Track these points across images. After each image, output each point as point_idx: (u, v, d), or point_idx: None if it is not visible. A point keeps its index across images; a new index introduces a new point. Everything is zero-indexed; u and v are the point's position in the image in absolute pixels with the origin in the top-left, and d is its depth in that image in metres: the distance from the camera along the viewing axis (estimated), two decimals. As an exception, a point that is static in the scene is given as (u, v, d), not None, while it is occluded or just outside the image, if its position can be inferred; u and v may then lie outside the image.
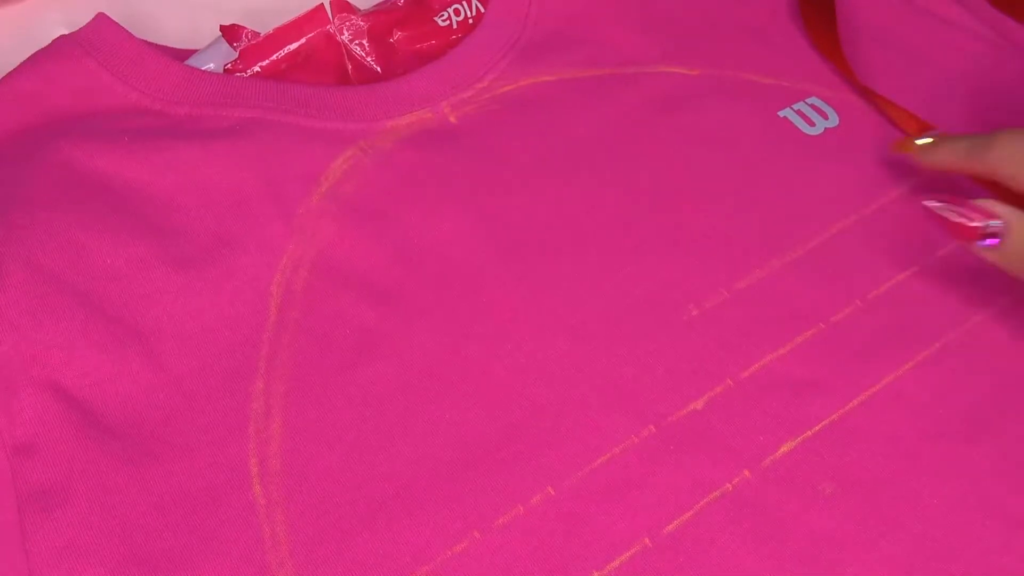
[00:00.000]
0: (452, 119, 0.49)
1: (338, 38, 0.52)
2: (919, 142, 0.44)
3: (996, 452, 0.40)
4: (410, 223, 0.46)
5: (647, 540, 0.38)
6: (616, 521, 0.38)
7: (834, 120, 0.50)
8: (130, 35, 0.50)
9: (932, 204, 0.36)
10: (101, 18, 0.50)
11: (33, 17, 0.54)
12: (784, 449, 0.40)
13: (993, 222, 0.35)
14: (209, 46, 0.51)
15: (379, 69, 0.52)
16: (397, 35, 0.53)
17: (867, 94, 0.51)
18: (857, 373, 0.42)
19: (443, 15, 0.53)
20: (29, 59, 0.49)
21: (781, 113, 0.50)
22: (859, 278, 0.44)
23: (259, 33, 0.51)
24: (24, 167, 0.45)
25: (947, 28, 0.54)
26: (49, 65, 0.49)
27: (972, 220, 0.36)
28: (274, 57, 0.51)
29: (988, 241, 0.35)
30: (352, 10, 0.52)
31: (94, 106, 0.48)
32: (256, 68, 0.51)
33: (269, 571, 0.37)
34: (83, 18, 0.50)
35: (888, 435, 0.40)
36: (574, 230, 0.46)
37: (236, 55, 0.51)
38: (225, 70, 0.50)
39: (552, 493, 0.39)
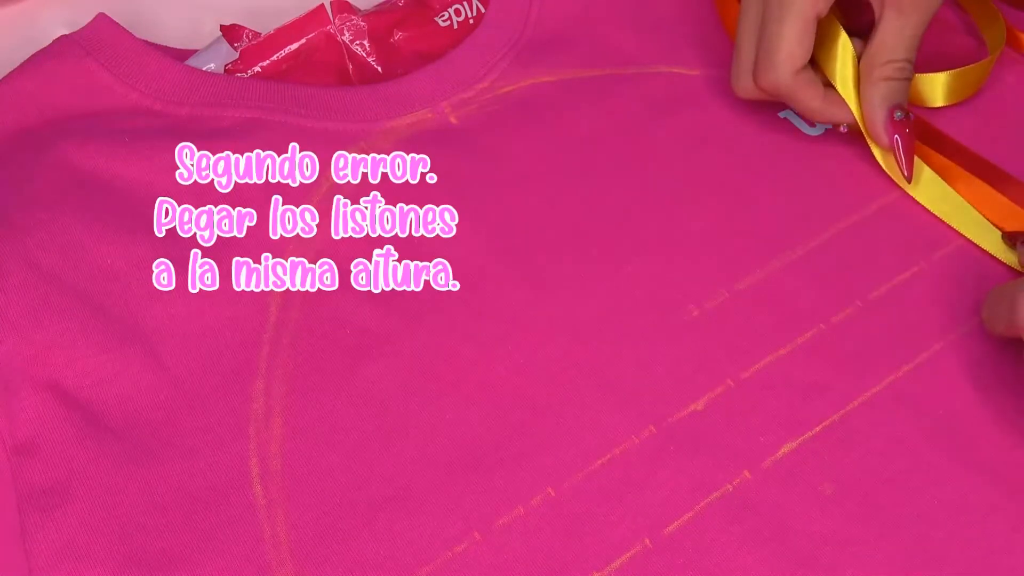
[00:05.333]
0: (452, 119, 0.49)
1: (339, 38, 0.52)
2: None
3: (996, 453, 0.40)
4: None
5: (647, 541, 0.38)
6: (616, 522, 0.38)
7: (834, 120, 0.50)
8: (131, 35, 0.50)
9: None
10: (101, 18, 0.50)
11: (33, 17, 0.54)
12: (785, 450, 0.40)
13: None
14: (209, 46, 0.51)
15: (380, 69, 0.52)
16: (398, 35, 0.53)
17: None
18: (858, 374, 0.42)
19: (444, 15, 0.53)
20: (29, 59, 0.49)
21: (781, 113, 0.50)
22: (859, 278, 0.44)
23: (260, 33, 0.51)
24: (24, 167, 0.45)
25: (945, 29, 0.54)
26: (49, 65, 0.49)
27: None
28: (275, 57, 0.51)
29: None
30: (353, 10, 0.52)
31: (94, 106, 0.48)
32: (257, 68, 0.51)
33: (269, 571, 0.37)
34: (83, 18, 0.50)
35: (889, 436, 0.40)
36: (574, 230, 0.46)
37: (237, 55, 0.51)
38: (226, 70, 0.50)
39: (552, 494, 0.39)
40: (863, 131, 0.47)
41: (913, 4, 0.45)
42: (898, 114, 0.46)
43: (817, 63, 0.47)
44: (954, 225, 0.46)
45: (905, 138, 0.46)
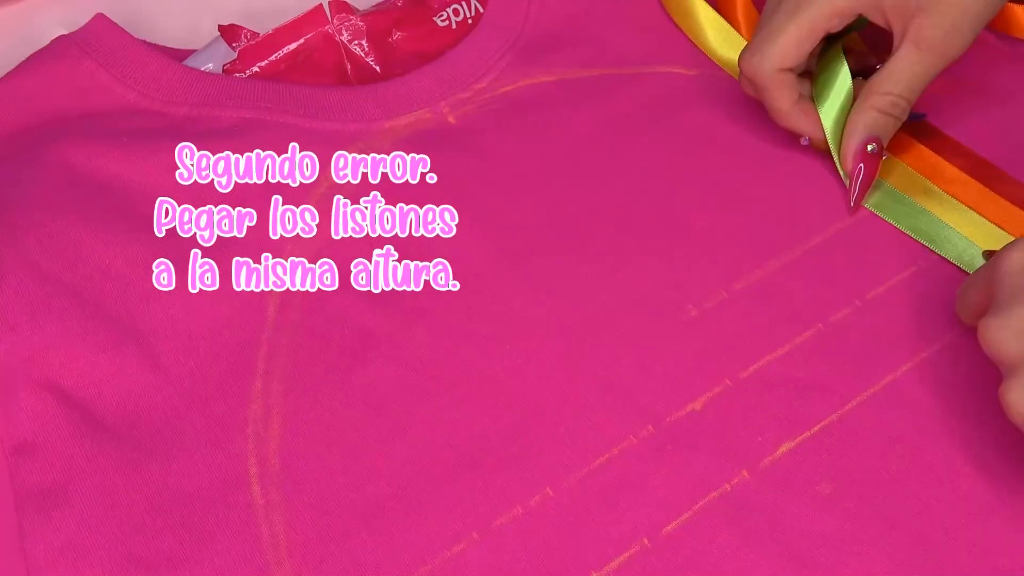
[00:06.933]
0: (451, 119, 0.49)
1: (337, 38, 0.52)
2: None
3: (996, 453, 0.40)
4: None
5: (646, 541, 0.38)
6: (615, 522, 0.38)
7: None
8: (129, 35, 0.50)
9: None
10: (100, 18, 0.50)
11: (33, 17, 0.54)
12: (783, 449, 0.40)
13: None
14: (208, 46, 0.51)
15: (378, 69, 0.52)
16: (396, 35, 0.53)
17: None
18: (856, 373, 0.42)
19: (442, 15, 0.53)
20: (28, 59, 0.49)
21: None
22: (858, 278, 0.44)
23: (258, 33, 0.51)
24: (23, 167, 0.45)
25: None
26: (48, 65, 0.49)
27: None
28: (273, 57, 0.51)
29: None
30: (351, 10, 0.52)
31: (93, 106, 0.48)
32: (255, 68, 0.51)
33: (268, 571, 0.37)
34: (82, 18, 0.50)
35: (887, 436, 0.40)
36: (573, 230, 0.46)
37: (235, 55, 0.51)
38: (224, 70, 0.50)
39: (551, 494, 0.39)
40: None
41: (931, 45, 0.44)
42: (871, 147, 0.45)
43: (811, 78, 0.48)
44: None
45: (868, 171, 0.46)
